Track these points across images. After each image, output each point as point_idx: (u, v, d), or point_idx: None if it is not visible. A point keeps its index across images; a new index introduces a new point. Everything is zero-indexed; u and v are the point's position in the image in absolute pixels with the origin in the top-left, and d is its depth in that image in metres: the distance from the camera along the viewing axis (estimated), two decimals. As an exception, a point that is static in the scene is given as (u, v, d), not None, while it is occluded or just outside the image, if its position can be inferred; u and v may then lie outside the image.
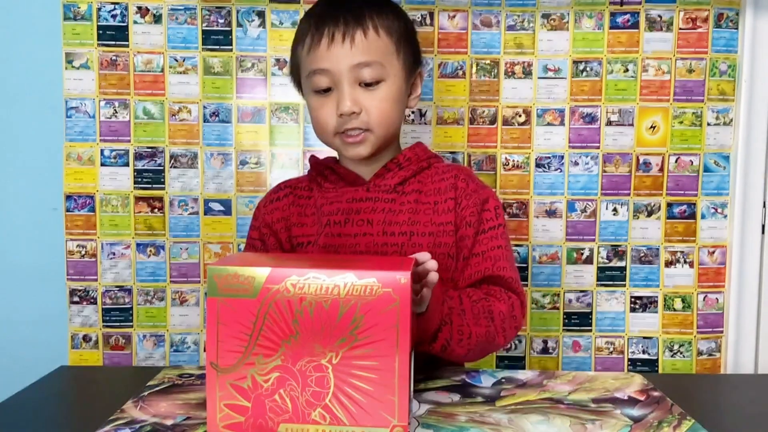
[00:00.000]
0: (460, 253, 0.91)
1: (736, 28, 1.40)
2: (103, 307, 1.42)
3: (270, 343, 0.59)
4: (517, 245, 1.43)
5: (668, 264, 1.44)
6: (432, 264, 0.73)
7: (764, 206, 1.43)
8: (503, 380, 0.84)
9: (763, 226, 1.43)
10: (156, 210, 1.42)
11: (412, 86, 0.98)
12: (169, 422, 0.69)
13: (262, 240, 0.99)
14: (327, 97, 0.91)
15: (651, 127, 1.42)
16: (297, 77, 0.97)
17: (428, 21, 1.40)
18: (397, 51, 0.92)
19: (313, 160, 1.01)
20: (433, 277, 0.72)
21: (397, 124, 0.95)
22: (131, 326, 1.43)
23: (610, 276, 1.44)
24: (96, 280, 1.42)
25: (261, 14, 1.40)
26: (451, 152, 1.42)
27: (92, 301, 1.42)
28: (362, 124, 0.90)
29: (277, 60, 1.41)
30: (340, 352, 0.58)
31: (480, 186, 0.96)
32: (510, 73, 1.41)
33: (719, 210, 1.43)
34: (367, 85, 0.90)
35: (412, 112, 1.41)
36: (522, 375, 0.86)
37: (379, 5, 0.93)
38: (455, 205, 0.93)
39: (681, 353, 1.45)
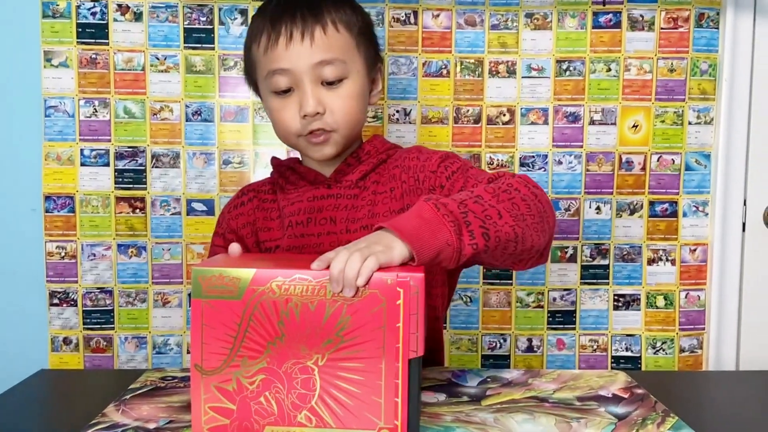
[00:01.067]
0: None
1: (717, 28, 1.41)
2: (84, 309, 1.40)
3: (255, 344, 0.58)
4: (501, 244, 1.44)
5: (650, 262, 1.45)
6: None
7: (744, 204, 1.44)
8: (488, 379, 0.84)
9: (744, 224, 1.45)
10: (137, 210, 1.40)
11: (373, 82, 0.95)
12: (151, 426, 0.68)
13: (227, 246, 0.97)
14: (288, 98, 0.88)
15: (633, 126, 1.43)
16: (252, 78, 0.94)
17: (412, 20, 1.40)
18: (357, 46, 0.89)
19: (275, 161, 0.98)
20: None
21: (361, 121, 0.93)
22: (113, 328, 1.41)
23: (593, 274, 1.45)
24: (76, 281, 1.40)
25: (243, 12, 1.38)
26: (435, 151, 1.42)
27: (72, 303, 1.40)
28: (326, 124, 0.87)
29: (260, 59, 1.40)
30: (326, 354, 0.58)
31: (432, 152, 0.92)
32: (494, 73, 1.41)
33: (700, 208, 1.45)
34: (330, 83, 0.87)
35: (396, 111, 1.41)
36: (507, 374, 0.86)
37: (336, 0, 0.90)
38: (415, 182, 0.89)
39: (663, 350, 1.46)
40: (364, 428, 0.58)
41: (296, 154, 0.99)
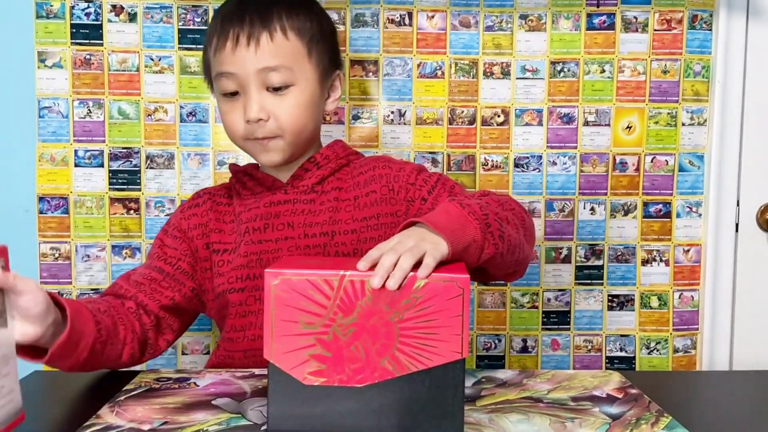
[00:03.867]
0: None
1: (710, 30, 1.42)
2: (78, 310, 1.40)
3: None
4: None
5: (644, 262, 1.45)
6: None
7: (738, 205, 1.45)
8: (483, 380, 0.85)
9: (737, 225, 1.46)
10: (132, 211, 1.40)
11: (330, 89, 0.94)
12: (146, 427, 0.68)
13: (162, 246, 0.95)
14: (235, 101, 0.88)
15: (627, 127, 1.43)
16: (209, 77, 0.94)
17: (407, 21, 1.40)
18: (308, 53, 0.88)
19: (233, 168, 0.99)
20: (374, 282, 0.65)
21: (310, 128, 0.92)
22: (107, 329, 1.41)
23: (587, 275, 1.45)
24: (70, 283, 1.39)
25: (238, 13, 1.38)
26: (430, 152, 1.42)
27: (67, 304, 1.39)
28: (271, 132, 0.87)
29: (255, 59, 1.39)
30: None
31: (403, 163, 0.94)
32: (488, 74, 1.41)
33: (694, 209, 1.45)
34: (276, 89, 0.86)
35: (391, 112, 1.41)
36: (502, 374, 0.87)
37: (290, 4, 0.89)
38: (389, 191, 0.89)
39: (657, 350, 1.47)
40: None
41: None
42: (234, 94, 0.88)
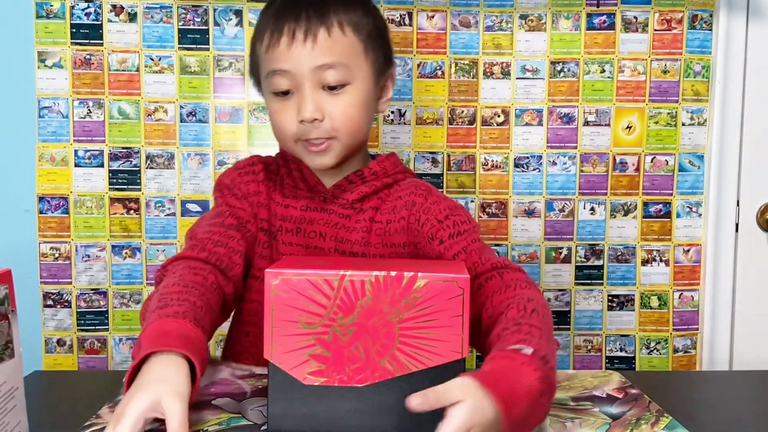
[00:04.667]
0: None
1: (710, 30, 1.42)
2: (78, 310, 1.40)
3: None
4: (496, 245, 1.44)
5: (644, 262, 1.45)
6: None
7: (738, 205, 1.45)
8: (483, 380, 0.84)
9: (737, 225, 1.46)
10: (132, 211, 1.40)
11: (382, 89, 0.90)
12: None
13: (233, 212, 0.87)
14: (287, 100, 0.83)
15: (627, 127, 1.43)
16: (257, 75, 0.90)
17: (407, 21, 1.40)
18: (365, 51, 0.85)
19: (283, 150, 0.92)
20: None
21: (365, 130, 0.88)
22: (107, 330, 1.41)
23: (587, 275, 1.45)
24: (70, 283, 1.39)
25: (238, 13, 1.38)
26: (430, 152, 1.42)
27: (66, 304, 1.39)
28: (325, 132, 0.83)
29: (255, 59, 1.39)
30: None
31: (441, 198, 0.88)
32: (488, 74, 1.41)
33: (694, 209, 1.45)
34: (331, 88, 0.82)
35: (391, 112, 1.41)
36: (502, 374, 0.86)
37: (346, 0, 0.85)
38: (415, 221, 0.85)
39: (657, 350, 1.46)
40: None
41: None
42: (286, 93, 0.83)
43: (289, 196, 0.90)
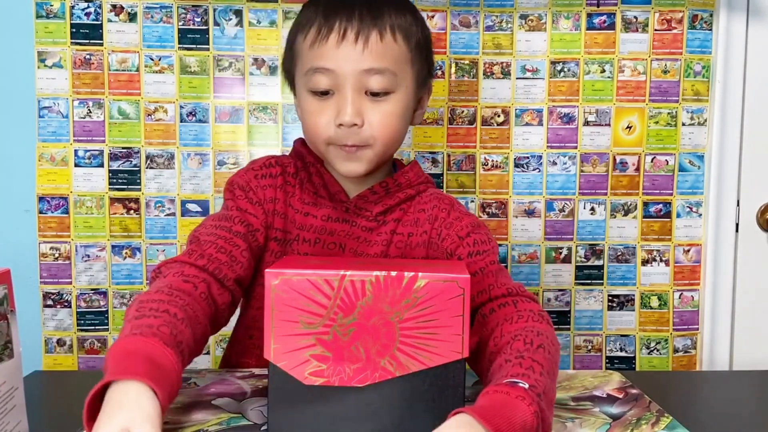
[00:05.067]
0: None
1: (710, 29, 1.42)
2: (78, 310, 1.40)
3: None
4: (496, 245, 1.44)
5: (644, 262, 1.45)
6: None
7: (738, 205, 1.45)
8: (484, 380, 0.84)
9: (737, 225, 1.45)
10: (132, 211, 1.40)
11: (419, 101, 0.86)
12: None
13: (243, 218, 0.81)
14: (325, 100, 0.79)
15: (627, 127, 1.43)
16: (290, 70, 0.85)
17: (407, 21, 1.40)
18: (411, 60, 0.81)
19: (302, 147, 0.87)
20: None
21: (400, 141, 0.84)
22: (107, 330, 1.41)
23: (587, 275, 1.45)
24: (70, 283, 1.39)
25: (238, 13, 1.38)
26: (430, 152, 1.42)
27: (66, 304, 1.39)
28: (362, 140, 0.79)
29: (255, 59, 1.39)
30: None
31: (464, 214, 0.86)
32: (489, 74, 1.41)
33: (694, 209, 1.45)
34: (374, 94, 0.78)
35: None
36: (502, 374, 0.86)
37: (398, 4, 0.82)
38: (437, 236, 0.83)
39: (657, 350, 1.46)
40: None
41: None
42: (324, 93, 0.79)
43: (309, 203, 0.85)
